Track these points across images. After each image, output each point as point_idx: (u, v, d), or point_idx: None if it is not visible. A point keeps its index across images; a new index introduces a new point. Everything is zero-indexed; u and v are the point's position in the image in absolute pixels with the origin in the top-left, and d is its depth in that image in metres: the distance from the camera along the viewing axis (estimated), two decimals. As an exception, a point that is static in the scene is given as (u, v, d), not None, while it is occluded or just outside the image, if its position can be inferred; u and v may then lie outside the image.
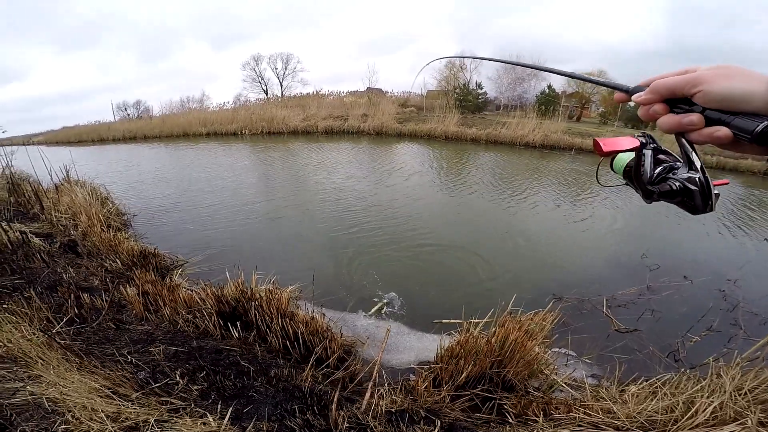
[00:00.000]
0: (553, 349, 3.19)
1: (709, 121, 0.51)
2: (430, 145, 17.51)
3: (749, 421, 1.90)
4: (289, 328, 2.67)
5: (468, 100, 28.01)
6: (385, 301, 3.94)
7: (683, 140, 0.57)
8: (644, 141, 0.67)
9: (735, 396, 2.09)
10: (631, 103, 0.65)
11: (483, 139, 18.60)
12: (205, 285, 3.21)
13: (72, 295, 2.92)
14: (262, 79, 39.06)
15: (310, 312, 2.99)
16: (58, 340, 2.29)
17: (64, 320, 2.66)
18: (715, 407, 2.01)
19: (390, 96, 30.64)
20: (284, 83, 39.42)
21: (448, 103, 25.83)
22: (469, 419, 2.18)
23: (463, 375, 2.42)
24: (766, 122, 0.46)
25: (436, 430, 1.91)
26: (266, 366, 2.39)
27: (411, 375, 2.79)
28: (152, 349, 2.46)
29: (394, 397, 2.24)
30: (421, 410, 2.10)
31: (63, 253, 4.19)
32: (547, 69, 0.94)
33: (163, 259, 4.55)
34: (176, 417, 1.80)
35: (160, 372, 2.22)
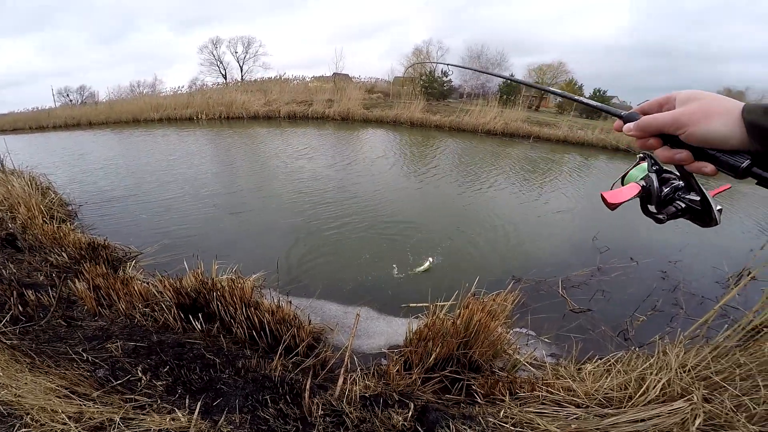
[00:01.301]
0: (514, 330, 3.36)
1: (698, 155, 0.56)
2: (396, 130, 17.55)
3: (695, 398, 2.06)
4: (255, 317, 2.62)
5: (433, 88, 28.20)
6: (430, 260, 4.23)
7: (682, 169, 0.62)
8: (648, 161, 0.73)
9: (680, 373, 2.27)
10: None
11: (447, 126, 18.87)
12: (162, 277, 3.06)
13: (14, 292, 2.71)
14: (221, 62, 37.34)
15: (275, 300, 2.94)
16: (4, 341, 2.12)
17: (7, 318, 2.46)
18: (663, 384, 2.19)
19: (357, 82, 30.23)
20: (245, 67, 37.91)
21: (414, 90, 25.89)
22: (440, 401, 2.27)
23: (432, 357, 2.50)
24: (748, 161, 0.51)
25: (410, 412, 1.97)
26: (233, 358, 2.34)
27: (383, 359, 2.85)
28: (109, 346, 2.34)
29: (367, 382, 2.28)
30: (394, 394, 2.15)
31: (1, 249, 3.84)
32: (539, 87, 0.98)
33: (115, 251, 4.29)
34: (143, 414, 1.74)
35: (120, 369, 2.12)
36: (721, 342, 2.48)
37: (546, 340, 3.34)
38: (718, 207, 0.62)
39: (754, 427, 1.89)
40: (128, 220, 5.85)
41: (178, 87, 29.25)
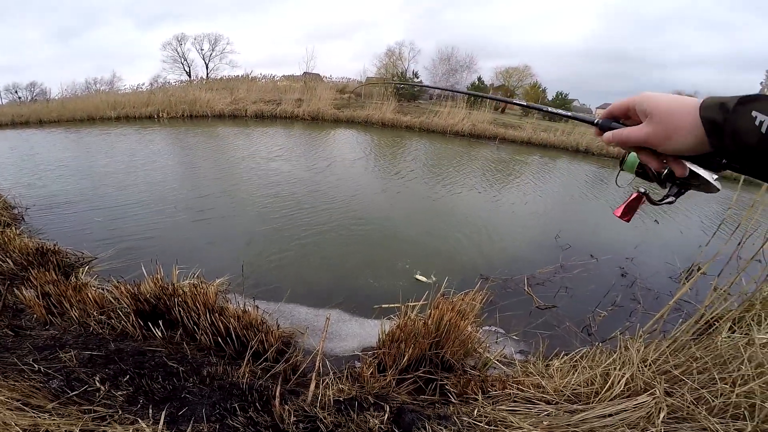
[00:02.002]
0: (484, 328, 3.44)
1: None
2: (367, 131, 17.53)
3: (657, 392, 2.15)
4: (220, 323, 2.53)
5: (404, 89, 28.45)
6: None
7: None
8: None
9: (642, 367, 2.38)
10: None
11: (417, 126, 19.09)
12: (118, 283, 2.89)
13: None
14: (185, 60, 35.97)
15: (242, 305, 2.86)
16: None
17: None
18: (627, 378, 2.28)
19: (328, 82, 29.93)
20: (210, 65, 36.76)
21: (386, 90, 25.99)
22: (415, 402, 2.28)
23: (405, 358, 2.51)
24: (717, 177, 0.60)
25: (386, 414, 1.96)
26: (198, 365, 2.25)
27: (356, 362, 2.83)
28: (62, 356, 2.19)
29: (341, 385, 2.26)
30: (369, 396, 2.14)
31: (-68, 255, 3.49)
32: (512, 102, 1.01)
33: (66, 256, 4.02)
34: (104, 425, 1.64)
35: (75, 379, 1.99)
36: (678, 336, 2.62)
37: (514, 337, 3.43)
38: (715, 176, 0.65)
39: (714, 419, 1.99)
40: (81, 225, 5.46)
41: (139, 84, 27.83)
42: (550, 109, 0.88)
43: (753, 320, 2.71)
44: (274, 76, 28.74)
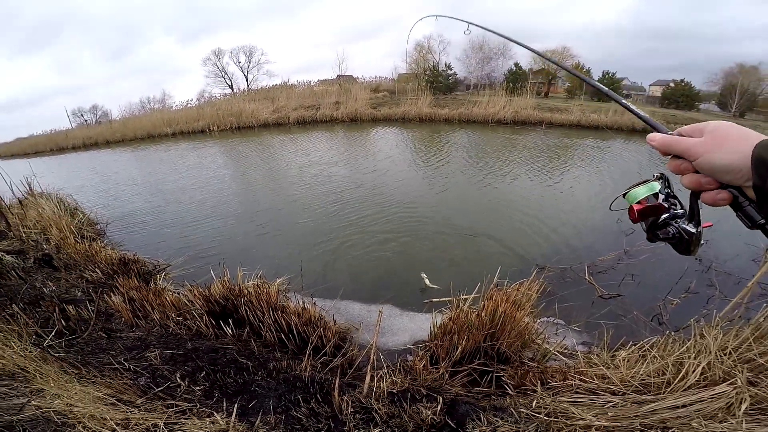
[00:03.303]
0: (542, 319, 3.29)
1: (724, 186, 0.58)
2: (405, 127, 17.52)
3: (738, 381, 1.96)
4: (282, 320, 2.65)
5: (438, 82, 28.06)
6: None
7: (695, 199, 0.65)
8: (662, 183, 0.75)
9: (720, 356, 2.18)
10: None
11: (456, 118, 18.75)
12: (191, 286, 3.15)
13: (56, 308, 2.84)
14: (226, 73, 38.01)
15: (301, 303, 2.97)
16: (53, 353, 2.22)
17: (53, 333, 2.59)
18: (703, 367, 2.10)
19: (362, 82, 30.29)
20: (249, 76, 38.48)
21: (419, 85, 25.79)
22: (469, 394, 2.24)
23: (458, 350, 2.47)
24: (763, 221, 0.55)
25: (439, 406, 1.95)
26: (264, 360, 2.38)
27: (408, 355, 2.84)
28: (148, 355, 2.42)
29: (393, 378, 2.27)
30: (422, 389, 2.14)
31: (39, 268, 4.01)
32: (578, 75, 0.96)
33: (144, 264, 4.42)
34: (184, 419, 1.79)
35: (160, 376, 2.19)
36: (761, 322, 2.34)
37: (576, 328, 3.25)
38: (703, 241, 0.66)
39: None
40: (154, 236, 6.01)
41: (188, 100, 29.93)
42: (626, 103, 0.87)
43: None
44: (310, 82, 29.65)
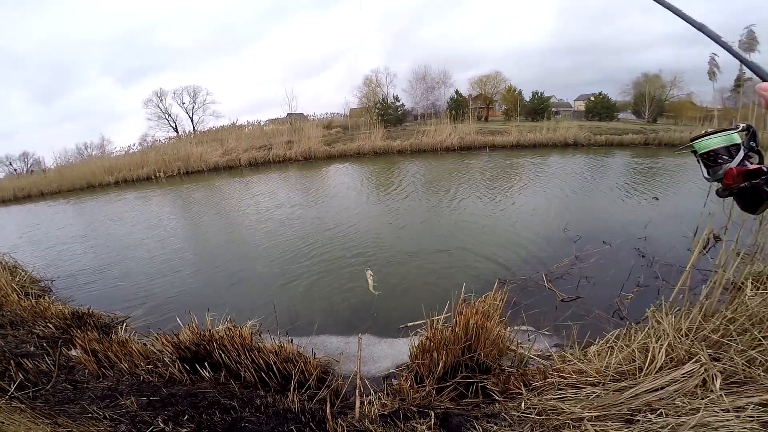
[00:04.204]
0: (513, 328, 3.42)
1: None
2: (360, 162, 17.86)
3: (702, 358, 2.12)
4: (260, 360, 2.59)
5: (389, 114, 29.25)
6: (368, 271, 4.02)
7: None
8: (747, 134, 0.72)
9: (679, 337, 2.36)
10: None
11: (408, 149, 19.52)
12: (158, 335, 2.99)
13: (11, 362, 2.67)
14: (169, 115, 36.78)
15: (277, 342, 2.91)
16: (20, 405, 2.02)
17: (16, 385, 2.43)
18: (667, 349, 2.26)
19: (313, 119, 30.72)
20: (195, 118, 37.50)
21: (371, 119, 26.68)
22: (459, 406, 2.27)
23: (440, 366, 2.51)
24: None
25: (432, 420, 1.97)
26: (249, 399, 2.31)
27: (393, 379, 2.83)
28: (123, 402, 2.29)
29: (383, 401, 2.27)
30: (412, 407, 2.15)
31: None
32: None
33: (101, 317, 4.17)
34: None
35: (140, 422, 2.07)
36: (705, 302, 2.59)
37: (546, 332, 3.40)
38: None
39: None
40: (107, 290, 5.57)
41: (130, 145, 28.56)
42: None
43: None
44: (260, 122, 29.57)
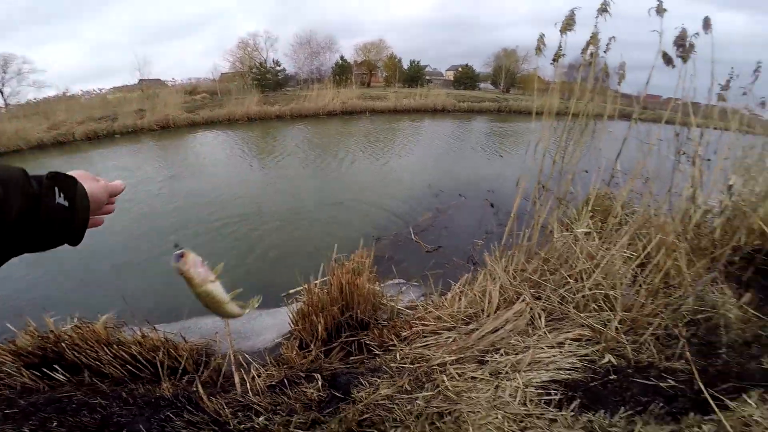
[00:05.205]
0: (387, 283, 3.69)
1: None
2: (233, 128, 16.32)
3: (526, 297, 2.41)
4: (123, 353, 2.41)
5: (267, 78, 27.21)
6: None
7: None
8: None
9: (509, 278, 2.65)
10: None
11: (288, 114, 18.57)
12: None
13: None
14: (-30, 90, 27.74)
15: (139, 333, 2.65)
16: None
17: None
18: (500, 290, 2.53)
19: (173, 86, 26.70)
20: (6, 90, 29.14)
21: (245, 84, 24.42)
22: (347, 365, 2.40)
23: (320, 329, 2.61)
24: None
25: (320, 382, 2.10)
26: (118, 395, 2.17)
27: (280, 350, 2.94)
28: None
29: (270, 371, 2.31)
30: (300, 373, 2.24)
31: None
32: None
33: None
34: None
35: None
36: (524, 245, 2.96)
37: (415, 283, 3.72)
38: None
39: (583, 314, 2.27)
40: None
41: None
42: None
43: (575, 219, 3.22)
44: (102, 90, 24.51)
